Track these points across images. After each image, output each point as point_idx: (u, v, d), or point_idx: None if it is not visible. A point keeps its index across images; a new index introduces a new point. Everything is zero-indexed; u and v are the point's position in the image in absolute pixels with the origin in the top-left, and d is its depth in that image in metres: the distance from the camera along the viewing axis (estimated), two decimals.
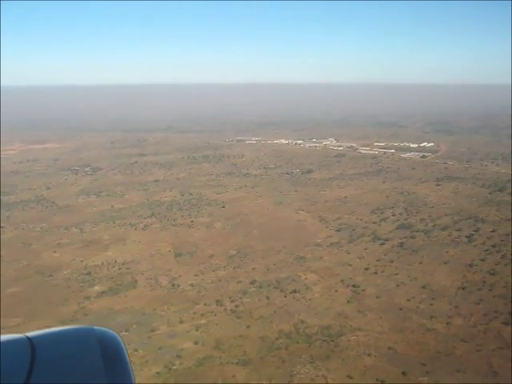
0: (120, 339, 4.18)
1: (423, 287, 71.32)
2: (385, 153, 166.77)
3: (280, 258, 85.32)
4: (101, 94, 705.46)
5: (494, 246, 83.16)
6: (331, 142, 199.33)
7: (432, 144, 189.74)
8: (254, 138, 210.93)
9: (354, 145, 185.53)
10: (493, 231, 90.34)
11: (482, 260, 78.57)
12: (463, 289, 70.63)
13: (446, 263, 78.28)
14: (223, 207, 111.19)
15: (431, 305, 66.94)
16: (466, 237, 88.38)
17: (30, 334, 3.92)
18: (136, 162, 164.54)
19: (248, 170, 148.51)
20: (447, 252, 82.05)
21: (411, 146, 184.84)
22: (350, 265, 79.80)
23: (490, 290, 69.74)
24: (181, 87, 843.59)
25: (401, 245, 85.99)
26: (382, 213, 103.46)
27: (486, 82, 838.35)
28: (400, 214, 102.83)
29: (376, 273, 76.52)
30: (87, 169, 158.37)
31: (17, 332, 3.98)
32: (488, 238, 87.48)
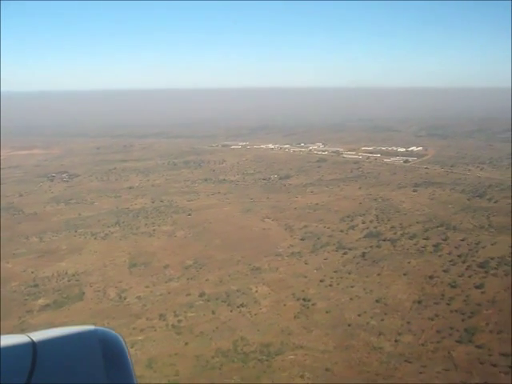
0: (122, 340, 4.08)
1: (377, 301, 67.01)
2: (368, 157, 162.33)
3: (236, 269, 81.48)
4: (100, 99, 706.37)
5: (460, 256, 78.59)
6: (318, 146, 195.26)
7: (420, 148, 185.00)
8: (240, 143, 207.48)
9: (340, 149, 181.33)
10: (462, 240, 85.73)
11: (445, 271, 74.06)
12: (419, 303, 66.22)
13: (405, 275, 73.88)
14: (189, 215, 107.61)
15: (382, 320, 62.65)
16: (433, 246, 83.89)
17: (32, 334, 3.86)
18: (115, 169, 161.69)
19: (225, 176, 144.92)
20: (409, 262, 77.65)
21: (399, 150, 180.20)
22: (306, 276, 75.69)
23: (448, 304, 65.28)
24: (180, 92, 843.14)
25: (363, 255, 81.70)
26: (351, 220, 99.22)
27: (487, 86, 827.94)
28: (370, 221, 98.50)
29: (331, 285, 72.33)
30: (64, 175, 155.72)
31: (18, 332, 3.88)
32: (456, 247, 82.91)
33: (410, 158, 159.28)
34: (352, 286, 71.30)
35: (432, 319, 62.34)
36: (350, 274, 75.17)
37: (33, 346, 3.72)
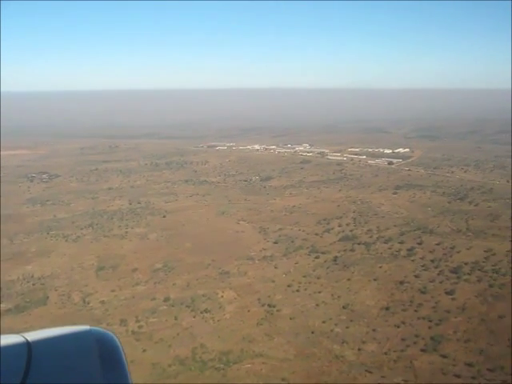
0: (117, 340, 4.07)
1: (344, 307, 65.05)
2: (352, 159, 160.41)
3: (205, 273, 79.43)
4: (98, 99, 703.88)
5: (433, 261, 76.67)
6: (304, 147, 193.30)
7: (407, 150, 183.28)
8: (227, 144, 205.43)
9: (326, 151, 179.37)
10: (438, 244, 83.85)
11: (416, 276, 72.14)
12: (387, 309, 64.29)
13: (375, 280, 71.92)
14: (164, 217, 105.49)
15: (347, 328, 60.67)
16: (408, 250, 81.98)
17: (27, 334, 3.84)
18: (96, 169, 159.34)
19: (207, 178, 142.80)
20: (380, 267, 75.70)
21: (385, 151, 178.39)
22: (274, 281, 73.69)
23: (416, 311, 63.35)
24: (178, 92, 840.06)
25: (335, 259, 79.73)
26: (328, 223, 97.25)
27: (487, 87, 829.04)
28: (347, 224, 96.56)
29: (298, 290, 70.33)
30: (44, 176, 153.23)
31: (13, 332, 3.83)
32: (430, 251, 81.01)
33: (395, 160, 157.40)
34: (320, 292, 69.32)
35: (398, 326, 60.40)
36: (319, 278, 73.20)
37: (28, 346, 3.63)
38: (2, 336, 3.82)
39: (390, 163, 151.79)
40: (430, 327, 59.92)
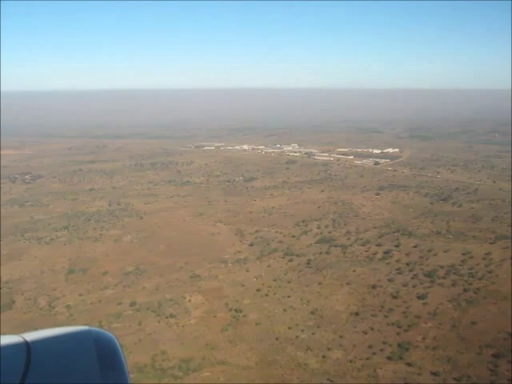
0: (115, 340, 4.07)
1: (312, 312, 63.06)
2: (339, 159, 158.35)
3: (176, 277, 77.45)
4: (98, 98, 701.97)
5: (408, 264, 74.74)
6: (293, 147, 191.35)
7: (396, 150, 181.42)
8: (215, 144, 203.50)
9: (314, 151, 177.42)
10: (415, 246, 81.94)
11: (390, 280, 70.19)
12: (357, 314, 62.31)
13: (348, 284, 69.96)
14: (141, 218, 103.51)
15: (313, 334, 58.69)
16: (384, 253, 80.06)
17: (26, 334, 3.84)
18: (80, 170, 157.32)
19: (190, 178, 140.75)
20: (354, 271, 73.73)
21: (374, 152, 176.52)
22: (244, 285, 71.72)
23: (386, 317, 61.36)
24: (174, 92, 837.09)
25: (308, 262, 77.77)
26: (306, 225, 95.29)
27: (484, 87, 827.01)
28: (326, 226, 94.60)
29: (267, 295, 68.35)
30: (27, 177, 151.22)
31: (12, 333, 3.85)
32: (407, 254, 79.08)
33: (383, 160, 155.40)
34: (289, 296, 67.34)
35: (366, 333, 58.42)
36: (289, 282, 71.23)
37: (27, 346, 3.64)
38: (1, 336, 3.74)
39: (377, 163, 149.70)
40: (398, 333, 57.97)
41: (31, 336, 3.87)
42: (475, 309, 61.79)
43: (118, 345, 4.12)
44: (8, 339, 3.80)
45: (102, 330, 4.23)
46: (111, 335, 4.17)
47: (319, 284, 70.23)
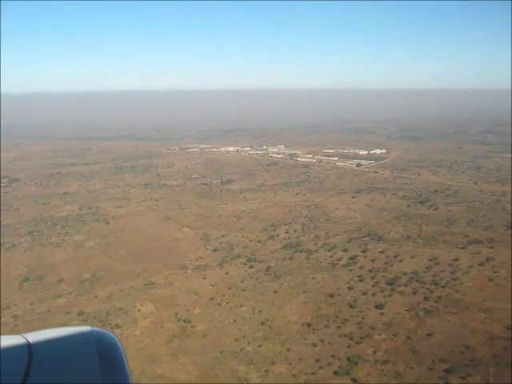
0: (117, 340, 4.06)
1: (262, 323, 59.90)
2: (321, 161, 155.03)
3: (131, 284, 74.52)
4: (95, 100, 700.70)
5: (371, 271, 71.49)
6: (279, 149, 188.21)
7: (384, 151, 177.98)
8: (201, 146, 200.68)
9: (299, 152, 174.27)
10: (382, 252, 78.68)
11: (349, 288, 66.96)
12: (309, 325, 59.11)
13: (305, 292, 66.78)
14: (107, 223, 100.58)
15: (260, 346, 55.55)
16: (349, 259, 76.84)
17: (27, 334, 3.85)
18: (58, 173, 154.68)
19: (168, 181, 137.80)
20: (314, 278, 70.54)
21: (360, 153, 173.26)
22: (197, 293, 68.68)
23: (339, 328, 58.14)
24: (170, 93, 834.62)
25: (268, 269, 74.68)
26: (274, 230, 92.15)
27: (482, 88, 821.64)
28: (295, 230, 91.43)
29: (219, 304, 65.25)
30: (4, 180, 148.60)
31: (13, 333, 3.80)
32: (372, 260, 75.83)
33: (366, 162, 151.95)
34: (241, 306, 64.21)
35: (315, 345, 55.22)
36: (244, 291, 68.11)
37: (28, 346, 3.63)
38: (3, 336, 3.71)
39: (358, 165, 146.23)
40: (349, 346, 54.75)
41: (33, 336, 3.81)
42: (433, 319, 58.50)
43: (120, 345, 4.04)
44: (9, 339, 3.73)
45: (103, 331, 4.11)
46: (113, 336, 4.09)
47: (274, 292, 67.06)
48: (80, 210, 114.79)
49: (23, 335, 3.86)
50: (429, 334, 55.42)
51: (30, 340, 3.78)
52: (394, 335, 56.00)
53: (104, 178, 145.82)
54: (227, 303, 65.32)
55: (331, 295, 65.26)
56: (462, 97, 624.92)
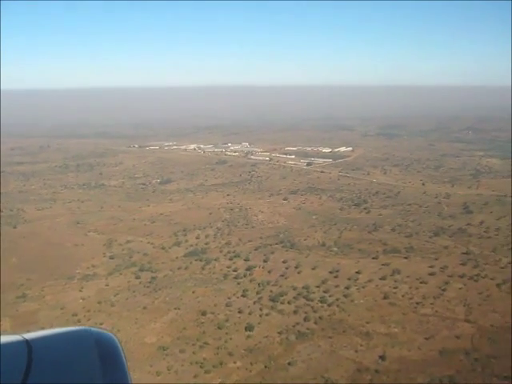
0: (117, 340, 4.01)
1: None
2: (271, 159, 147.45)
3: (3, 297, 67.50)
4: (91, 96, 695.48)
5: (260, 285, 64.23)
6: (242, 146, 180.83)
7: (349, 149, 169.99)
8: (165, 143, 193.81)
9: (258, 150, 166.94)
10: (284, 262, 71.38)
11: (227, 305, 59.74)
12: (164, 349, 51.93)
13: (176, 309, 59.64)
14: (15, 227, 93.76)
15: None
16: (246, 269, 69.71)
17: (26, 334, 3.77)
18: (3, 172, 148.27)
19: (107, 181, 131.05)
20: (194, 292, 63.39)
21: (323, 151, 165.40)
22: (63, 308, 61.77)
23: (194, 353, 50.99)
24: (166, 90, 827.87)
25: (151, 280, 67.60)
26: (185, 235, 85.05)
27: (488, 84, 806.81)
28: (206, 236, 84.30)
29: (79, 321, 58.16)
30: None
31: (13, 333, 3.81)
32: (269, 271, 68.61)
33: (322, 160, 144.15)
34: (101, 323, 57.03)
35: (159, 374, 48.10)
36: (113, 306, 61.08)
37: (28, 346, 3.58)
38: (2, 336, 3.58)
39: (309, 164, 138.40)
40: (196, 376, 47.58)
41: (32, 336, 3.68)
42: (303, 344, 51.09)
43: (119, 345, 3.90)
44: (9, 339, 3.61)
45: (102, 331, 3.98)
46: (112, 335, 3.96)
47: (144, 308, 59.94)
48: (1, 212, 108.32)
49: (22, 335, 3.68)
50: (290, 363, 48.03)
51: (29, 339, 3.61)
52: (252, 363, 48.69)
53: (45, 177, 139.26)
54: (88, 320, 58.22)
55: (203, 313, 57.98)
56: (458, 93, 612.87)
